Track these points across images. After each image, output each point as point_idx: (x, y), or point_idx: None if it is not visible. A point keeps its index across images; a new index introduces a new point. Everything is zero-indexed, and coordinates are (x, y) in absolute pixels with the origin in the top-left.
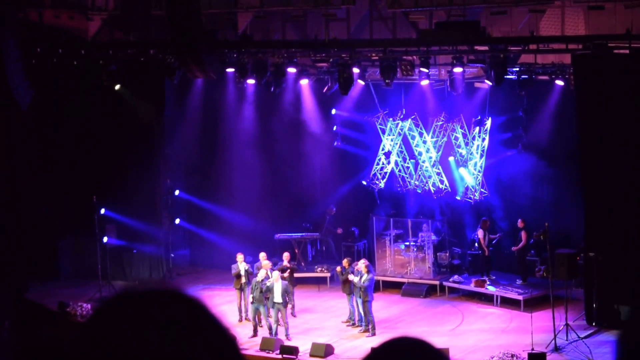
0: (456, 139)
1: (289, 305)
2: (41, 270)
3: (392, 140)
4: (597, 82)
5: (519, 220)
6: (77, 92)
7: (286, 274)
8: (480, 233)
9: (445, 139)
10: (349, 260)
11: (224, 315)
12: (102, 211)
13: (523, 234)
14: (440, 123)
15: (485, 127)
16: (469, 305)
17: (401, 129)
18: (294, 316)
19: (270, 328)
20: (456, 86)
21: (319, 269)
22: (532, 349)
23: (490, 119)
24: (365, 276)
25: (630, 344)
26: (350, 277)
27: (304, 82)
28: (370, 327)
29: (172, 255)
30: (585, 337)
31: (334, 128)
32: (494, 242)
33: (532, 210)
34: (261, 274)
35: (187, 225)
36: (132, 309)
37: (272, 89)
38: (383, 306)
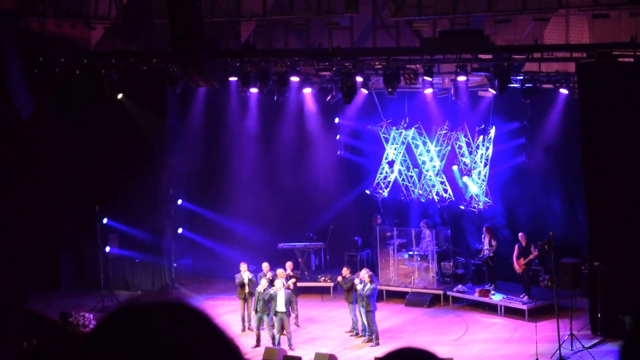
0: (460, 147)
1: (293, 315)
2: (42, 280)
3: (395, 149)
4: (601, 90)
5: (521, 234)
6: (79, 101)
7: (291, 281)
8: (493, 241)
9: (449, 147)
10: (349, 270)
11: (227, 326)
12: (105, 221)
13: (533, 248)
14: (444, 132)
15: (489, 136)
16: (473, 314)
17: (405, 138)
18: (298, 326)
19: (273, 338)
20: (461, 95)
21: (323, 278)
22: (537, 359)
23: (494, 127)
24: (368, 285)
25: (632, 354)
26: (356, 281)
27: (307, 90)
28: (373, 337)
29: (175, 264)
30: (590, 347)
31: (337, 137)
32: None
33: (536, 219)
34: (263, 284)
35: (189, 234)
36: (136, 320)
37: (275, 97)
38: (387, 316)
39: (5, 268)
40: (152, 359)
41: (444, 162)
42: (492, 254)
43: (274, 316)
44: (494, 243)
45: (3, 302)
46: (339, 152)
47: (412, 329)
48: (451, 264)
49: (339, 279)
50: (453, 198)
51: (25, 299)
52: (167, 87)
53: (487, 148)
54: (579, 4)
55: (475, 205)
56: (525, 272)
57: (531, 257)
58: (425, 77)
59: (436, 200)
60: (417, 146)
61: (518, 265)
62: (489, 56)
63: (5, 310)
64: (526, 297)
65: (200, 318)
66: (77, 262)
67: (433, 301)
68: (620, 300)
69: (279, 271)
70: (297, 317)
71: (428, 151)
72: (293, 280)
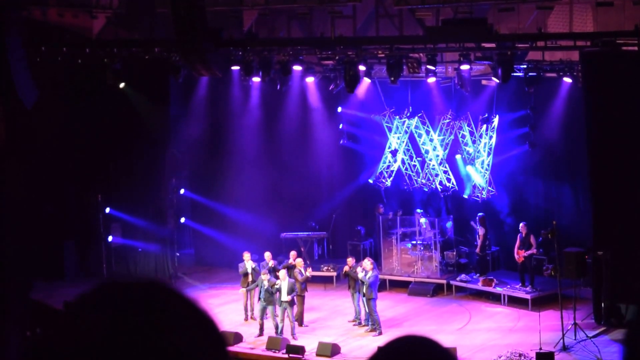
0: (463, 136)
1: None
2: (46, 269)
3: (398, 138)
4: (605, 79)
5: (522, 224)
6: (81, 90)
7: (309, 270)
8: (481, 231)
9: (452, 136)
10: (354, 259)
11: (205, 304)
12: (107, 210)
13: (533, 239)
14: (447, 121)
15: (493, 125)
16: (477, 304)
17: (408, 127)
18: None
19: (276, 327)
20: (464, 84)
21: (325, 268)
22: (540, 348)
23: (497, 116)
24: (369, 273)
25: (636, 344)
26: (358, 269)
27: (310, 79)
28: (376, 326)
29: (178, 254)
30: (594, 336)
31: (340, 126)
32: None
33: (540, 208)
34: (264, 278)
35: (192, 224)
36: (112, 297)
37: (278, 86)
38: (390, 305)
39: (10, 257)
40: (126, 334)
41: (447, 151)
42: (481, 244)
43: (278, 306)
44: (481, 232)
45: (8, 291)
46: (341, 142)
47: (415, 319)
48: (454, 253)
49: (346, 268)
50: (456, 187)
51: (30, 288)
52: (169, 76)
53: (491, 137)
54: None
55: (479, 195)
56: (527, 263)
57: (530, 251)
58: (429, 66)
59: (439, 190)
60: (420, 135)
61: (518, 256)
62: (493, 45)
63: (10, 300)
64: (529, 286)
65: (177, 296)
66: (81, 252)
67: (436, 290)
68: (624, 289)
69: (298, 261)
70: (293, 328)
71: (431, 140)
72: (309, 269)
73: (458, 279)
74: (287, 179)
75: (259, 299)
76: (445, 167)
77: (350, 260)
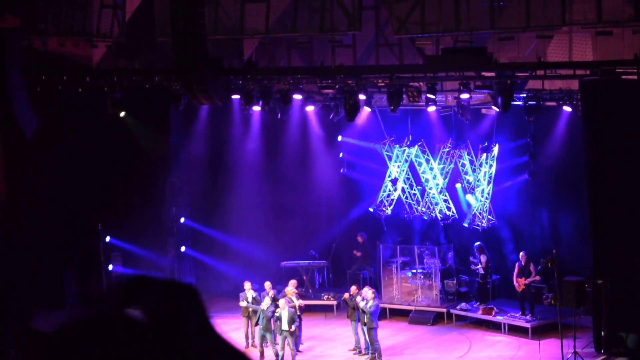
0: (463, 165)
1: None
2: (46, 298)
3: (398, 167)
4: (605, 108)
5: (522, 253)
6: (82, 119)
7: (300, 302)
8: (483, 258)
9: (452, 165)
10: (357, 287)
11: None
12: (108, 239)
13: (532, 267)
14: (447, 149)
15: (493, 154)
16: (477, 332)
17: (408, 156)
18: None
19: (276, 355)
20: (464, 112)
21: (326, 296)
22: None
23: (497, 145)
24: (370, 302)
25: None
26: (358, 298)
27: (310, 108)
28: (376, 354)
29: None
30: None
31: (340, 155)
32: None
33: (539, 236)
34: (266, 302)
35: (192, 253)
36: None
37: (278, 115)
38: (390, 334)
39: (10, 286)
40: None
41: (447, 179)
42: (482, 272)
43: (278, 334)
44: (483, 259)
45: (8, 321)
46: (341, 170)
47: (415, 347)
48: (454, 282)
49: (346, 295)
50: (456, 216)
51: (30, 316)
52: (170, 104)
53: (491, 166)
54: (583, 22)
55: (479, 223)
56: (526, 291)
57: (532, 278)
58: (429, 95)
59: (439, 218)
60: (420, 164)
61: (518, 284)
62: (492, 74)
63: (10, 329)
64: (529, 315)
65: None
66: (81, 281)
67: (436, 319)
68: (624, 317)
69: (288, 289)
70: (293, 356)
71: (431, 169)
72: (300, 301)
73: (458, 307)
74: (287, 208)
75: (257, 323)
76: (445, 195)
77: (354, 289)
